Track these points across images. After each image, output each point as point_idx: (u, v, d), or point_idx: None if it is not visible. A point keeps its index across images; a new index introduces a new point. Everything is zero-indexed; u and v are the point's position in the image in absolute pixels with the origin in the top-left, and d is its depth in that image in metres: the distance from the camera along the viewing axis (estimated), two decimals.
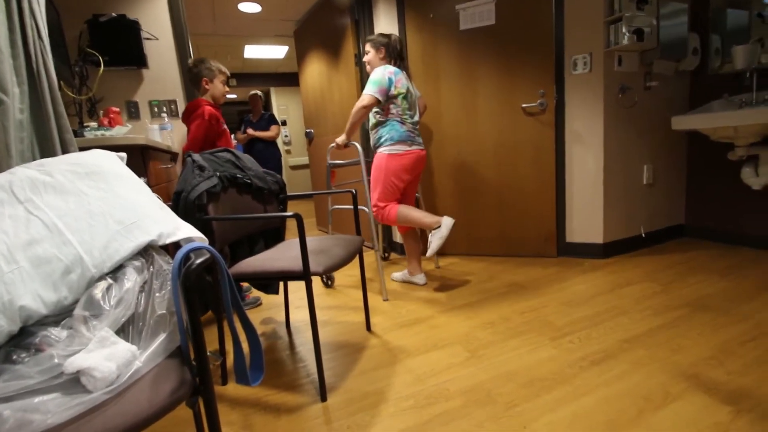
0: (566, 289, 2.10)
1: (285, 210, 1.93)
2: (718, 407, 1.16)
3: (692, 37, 2.51)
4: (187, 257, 0.80)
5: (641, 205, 2.59)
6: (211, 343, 1.82)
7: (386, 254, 2.98)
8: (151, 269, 0.92)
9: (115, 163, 1.04)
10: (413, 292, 2.25)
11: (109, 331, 0.75)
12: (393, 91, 2.06)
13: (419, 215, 2.10)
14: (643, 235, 2.59)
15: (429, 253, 2.05)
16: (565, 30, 2.35)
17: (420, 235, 2.43)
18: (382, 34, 2.17)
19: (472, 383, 1.36)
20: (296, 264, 1.36)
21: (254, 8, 3.49)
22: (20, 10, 1.17)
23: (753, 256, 2.37)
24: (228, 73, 2.20)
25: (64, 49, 1.97)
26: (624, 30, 2.20)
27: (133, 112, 2.41)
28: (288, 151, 7.09)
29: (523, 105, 2.47)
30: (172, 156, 2.36)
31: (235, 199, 1.66)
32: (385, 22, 2.77)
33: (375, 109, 2.12)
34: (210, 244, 1.45)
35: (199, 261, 0.76)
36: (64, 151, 1.23)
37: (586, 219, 2.49)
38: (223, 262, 0.90)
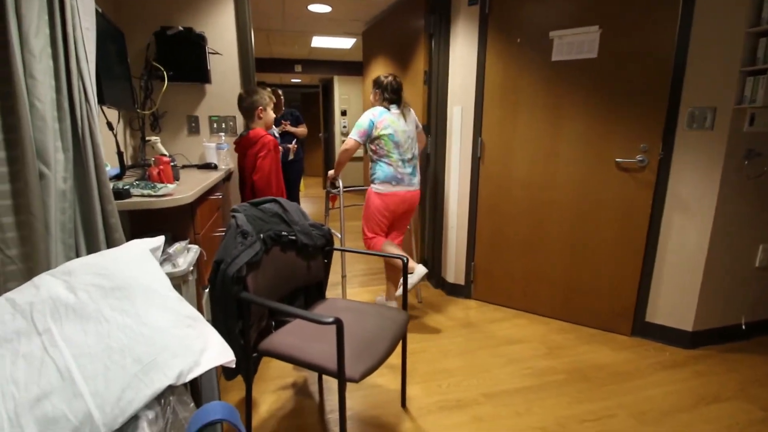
0: (640, 392, 1.79)
1: (330, 261, 1.81)
2: None
3: None
4: None
5: (747, 291, 2.15)
6: None
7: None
8: (168, 416, 0.82)
9: (144, 268, 0.94)
10: (459, 342, 2.05)
11: None
12: (375, 133, 2.16)
13: (397, 260, 2.22)
14: (744, 326, 2.16)
15: (396, 293, 2.31)
16: (686, 76, 1.91)
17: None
18: (381, 77, 2.24)
19: None
20: (331, 361, 1.23)
21: (324, 9, 3.30)
22: (68, 71, 1.08)
23: None
24: (274, 99, 2.22)
25: (126, 69, 1.93)
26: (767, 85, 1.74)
27: (193, 127, 2.37)
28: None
29: (618, 159, 2.09)
30: (227, 175, 2.30)
31: (278, 258, 1.55)
32: (463, 42, 2.46)
33: (370, 146, 2.24)
34: (245, 316, 1.36)
35: None
36: (105, 222, 1.16)
37: (676, 300, 2.11)
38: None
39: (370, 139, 2.19)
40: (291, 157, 3.39)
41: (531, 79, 2.26)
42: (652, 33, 1.94)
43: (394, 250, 2.19)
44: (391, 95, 2.20)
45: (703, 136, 1.93)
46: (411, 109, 2.29)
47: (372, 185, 2.26)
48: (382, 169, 2.20)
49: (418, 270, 2.10)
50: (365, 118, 2.18)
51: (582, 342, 2.20)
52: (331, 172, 2.41)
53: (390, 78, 2.21)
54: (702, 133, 1.93)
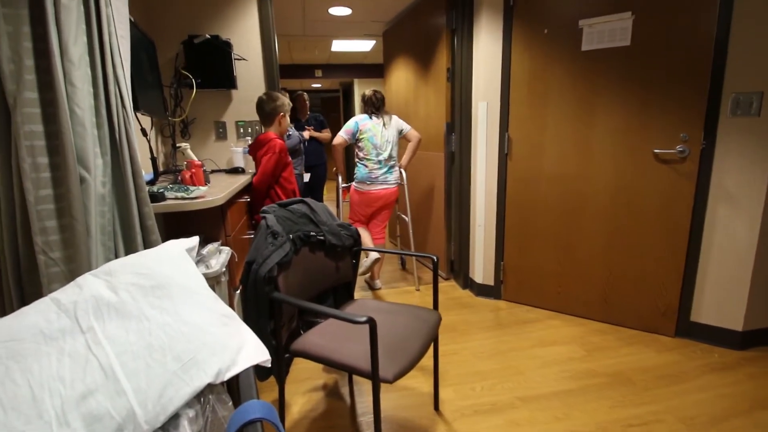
0: (687, 395, 1.69)
1: (357, 261, 1.80)
2: None
3: None
4: None
5: None
6: None
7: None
8: (207, 415, 0.82)
9: (182, 267, 0.94)
10: (491, 344, 2.00)
11: None
12: (359, 134, 2.59)
13: (367, 243, 2.63)
14: None
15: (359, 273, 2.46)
16: (729, 60, 1.81)
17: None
18: (365, 93, 2.66)
19: None
20: (365, 363, 1.21)
21: (344, 11, 3.32)
22: (105, 78, 1.11)
23: None
24: (292, 104, 2.28)
25: (157, 78, 1.98)
26: None
27: (221, 133, 2.42)
28: None
29: (656, 150, 2.00)
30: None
31: (308, 258, 1.55)
32: (487, 36, 2.41)
33: (356, 148, 2.66)
34: (277, 317, 1.36)
35: None
36: (142, 224, 1.18)
37: (723, 298, 1.99)
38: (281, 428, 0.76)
39: (355, 137, 2.60)
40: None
41: (560, 70, 2.19)
42: (689, 16, 1.84)
43: (365, 236, 2.66)
44: (370, 108, 2.64)
45: (749, 123, 1.81)
46: (393, 116, 2.69)
47: (353, 183, 2.71)
48: (359, 171, 2.64)
49: (371, 255, 2.61)
50: (352, 121, 2.62)
51: (623, 343, 2.10)
52: (334, 169, 2.84)
53: (370, 93, 2.65)
54: (748, 120, 1.81)
